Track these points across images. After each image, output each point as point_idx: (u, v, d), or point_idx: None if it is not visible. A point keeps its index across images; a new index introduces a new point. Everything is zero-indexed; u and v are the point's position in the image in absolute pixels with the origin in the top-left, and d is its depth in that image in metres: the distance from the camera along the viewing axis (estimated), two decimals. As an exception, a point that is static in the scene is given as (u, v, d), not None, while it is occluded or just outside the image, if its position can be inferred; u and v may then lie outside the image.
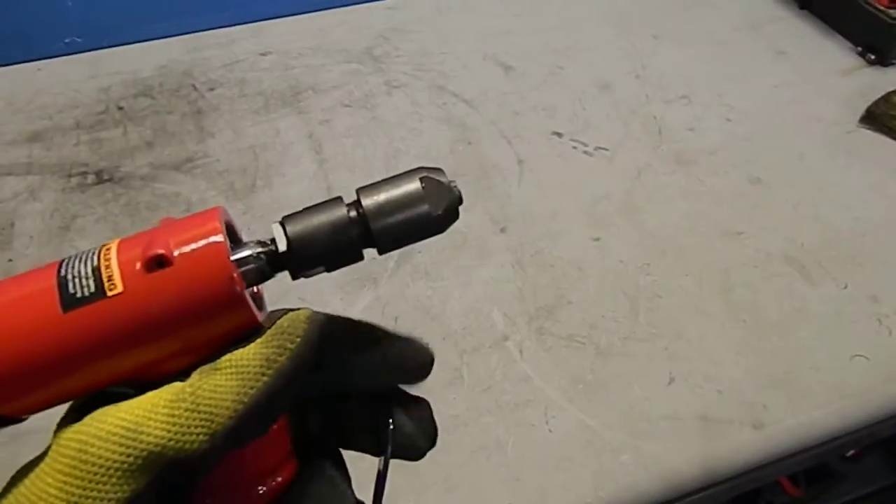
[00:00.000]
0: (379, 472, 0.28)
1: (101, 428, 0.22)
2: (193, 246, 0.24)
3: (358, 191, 0.27)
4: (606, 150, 0.96)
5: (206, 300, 0.24)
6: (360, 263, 0.27)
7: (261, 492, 0.25)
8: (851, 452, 1.09)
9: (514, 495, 0.64)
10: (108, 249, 0.24)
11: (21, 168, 0.93)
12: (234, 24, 1.18)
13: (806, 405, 0.71)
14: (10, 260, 0.82)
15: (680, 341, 0.75)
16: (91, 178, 0.91)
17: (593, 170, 0.93)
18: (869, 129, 0.98)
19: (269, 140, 0.97)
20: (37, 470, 0.23)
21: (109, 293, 0.23)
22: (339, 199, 0.27)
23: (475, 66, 1.10)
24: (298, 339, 0.24)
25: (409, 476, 0.64)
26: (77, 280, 0.23)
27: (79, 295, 0.23)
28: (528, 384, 0.72)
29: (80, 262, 0.23)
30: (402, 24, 1.18)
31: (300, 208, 0.27)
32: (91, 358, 0.23)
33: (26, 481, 0.23)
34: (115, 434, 0.22)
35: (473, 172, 0.92)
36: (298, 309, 0.25)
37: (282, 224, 0.26)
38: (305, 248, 0.25)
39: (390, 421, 0.28)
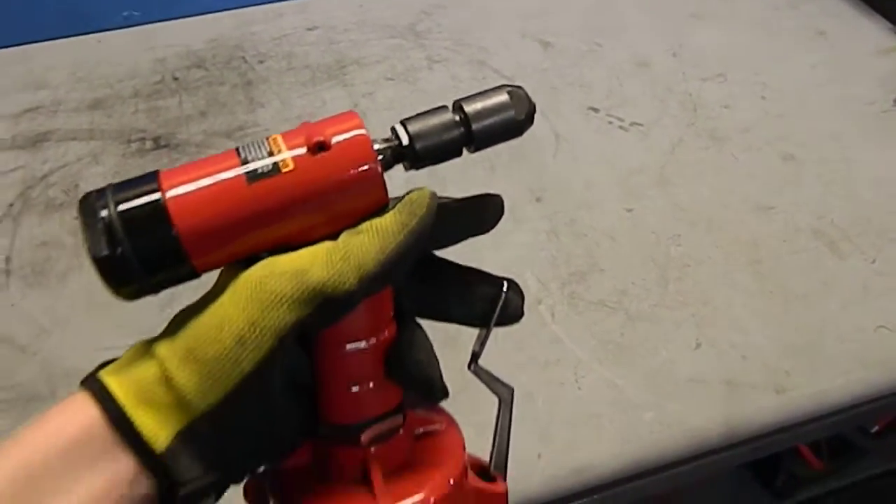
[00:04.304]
0: (486, 334, 0.36)
1: (276, 269, 0.29)
2: (346, 136, 0.30)
3: (458, 101, 0.33)
4: (641, 125, 0.99)
5: (354, 177, 0.30)
6: None
7: (372, 343, 0.32)
8: (875, 429, 1.11)
9: (544, 446, 0.68)
10: (275, 140, 0.30)
11: (84, 134, 0.98)
12: (282, 0, 1.22)
13: (828, 373, 0.73)
14: (76, 218, 0.87)
15: (707, 309, 0.78)
16: (149, 144, 0.97)
17: (628, 144, 0.96)
18: (905, 108, 0.99)
19: (316, 111, 1.01)
20: (216, 303, 0.29)
21: (283, 170, 0.29)
22: (445, 106, 0.33)
23: (514, 43, 1.13)
24: (424, 209, 0.31)
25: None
26: (257, 159, 0.29)
27: (259, 171, 0.29)
28: (559, 345, 0.75)
29: (254, 149, 0.30)
30: (444, 2, 1.21)
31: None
32: (266, 220, 0.29)
33: (207, 312, 0.29)
34: (287, 272, 0.29)
35: (510, 144, 0.95)
36: (420, 189, 0.32)
37: (403, 124, 0.33)
38: (422, 142, 0.32)
39: (504, 289, 0.35)
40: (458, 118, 0.33)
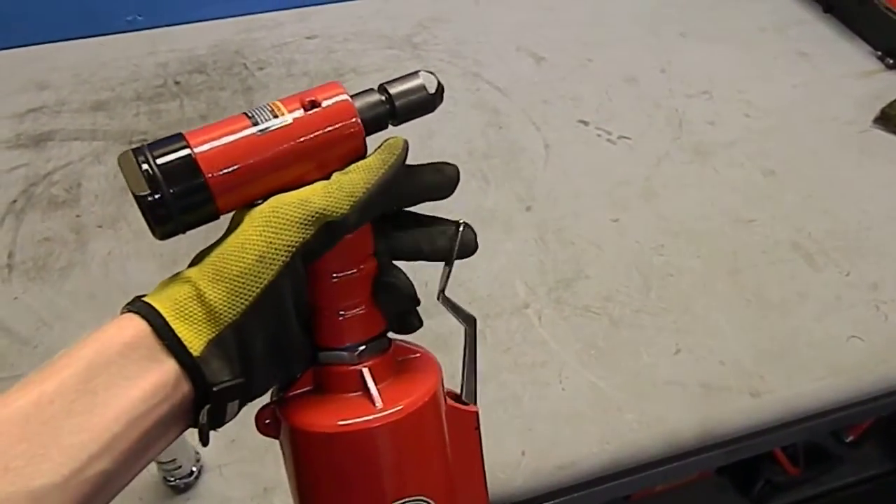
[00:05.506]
0: (449, 269, 0.42)
1: (285, 200, 0.35)
2: (333, 99, 0.37)
3: (382, 84, 0.39)
4: (629, 138, 1.02)
5: (341, 130, 0.37)
6: None
7: (360, 270, 0.39)
8: (851, 438, 1.14)
9: (527, 444, 0.71)
10: (275, 104, 0.37)
11: (87, 134, 1.01)
12: (283, 9, 1.25)
13: (801, 379, 0.76)
14: (78, 215, 0.90)
15: (687, 316, 0.81)
16: (150, 146, 0.99)
17: (615, 157, 0.99)
18: (882, 129, 1.03)
19: (314, 117, 1.04)
20: (237, 230, 0.35)
21: (284, 124, 0.36)
22: (372, 89, 0.39)
23: (508, 56, 1.16)
24: (399, 150, 0.38)
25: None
26: (263, 119, 0.36)
27: (266, 125, 0.36)
28: (544, 347, 0.78)
29: (260, 111, 0.37)
30: (441, 14, 1.25)
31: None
32: (274, 165, 0.36)
33: (229, 238, 0.35)
34: (294, 202, 0.35)
35: (503, 155, 0.98)
36: (395, 136, 0.38)
37: None
38: (361, 116, 0.38)
39: (460, 227, 0.41)
40: (383, 98, 0.39)
